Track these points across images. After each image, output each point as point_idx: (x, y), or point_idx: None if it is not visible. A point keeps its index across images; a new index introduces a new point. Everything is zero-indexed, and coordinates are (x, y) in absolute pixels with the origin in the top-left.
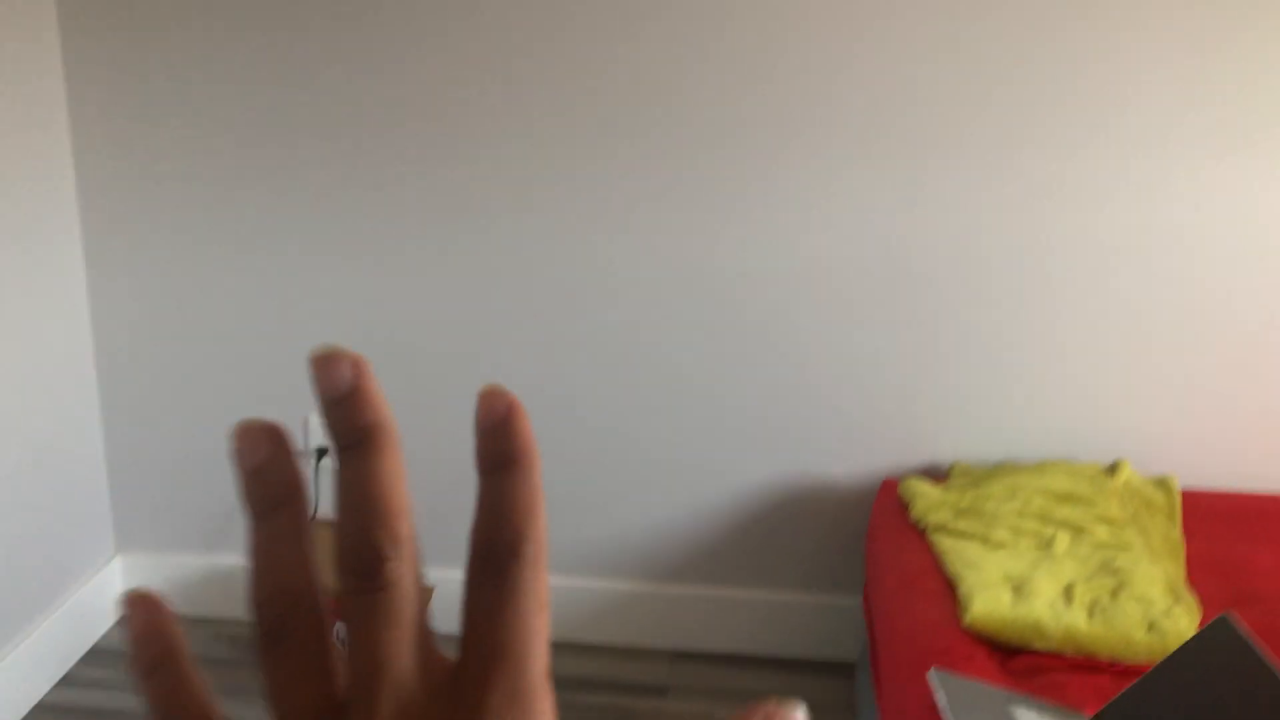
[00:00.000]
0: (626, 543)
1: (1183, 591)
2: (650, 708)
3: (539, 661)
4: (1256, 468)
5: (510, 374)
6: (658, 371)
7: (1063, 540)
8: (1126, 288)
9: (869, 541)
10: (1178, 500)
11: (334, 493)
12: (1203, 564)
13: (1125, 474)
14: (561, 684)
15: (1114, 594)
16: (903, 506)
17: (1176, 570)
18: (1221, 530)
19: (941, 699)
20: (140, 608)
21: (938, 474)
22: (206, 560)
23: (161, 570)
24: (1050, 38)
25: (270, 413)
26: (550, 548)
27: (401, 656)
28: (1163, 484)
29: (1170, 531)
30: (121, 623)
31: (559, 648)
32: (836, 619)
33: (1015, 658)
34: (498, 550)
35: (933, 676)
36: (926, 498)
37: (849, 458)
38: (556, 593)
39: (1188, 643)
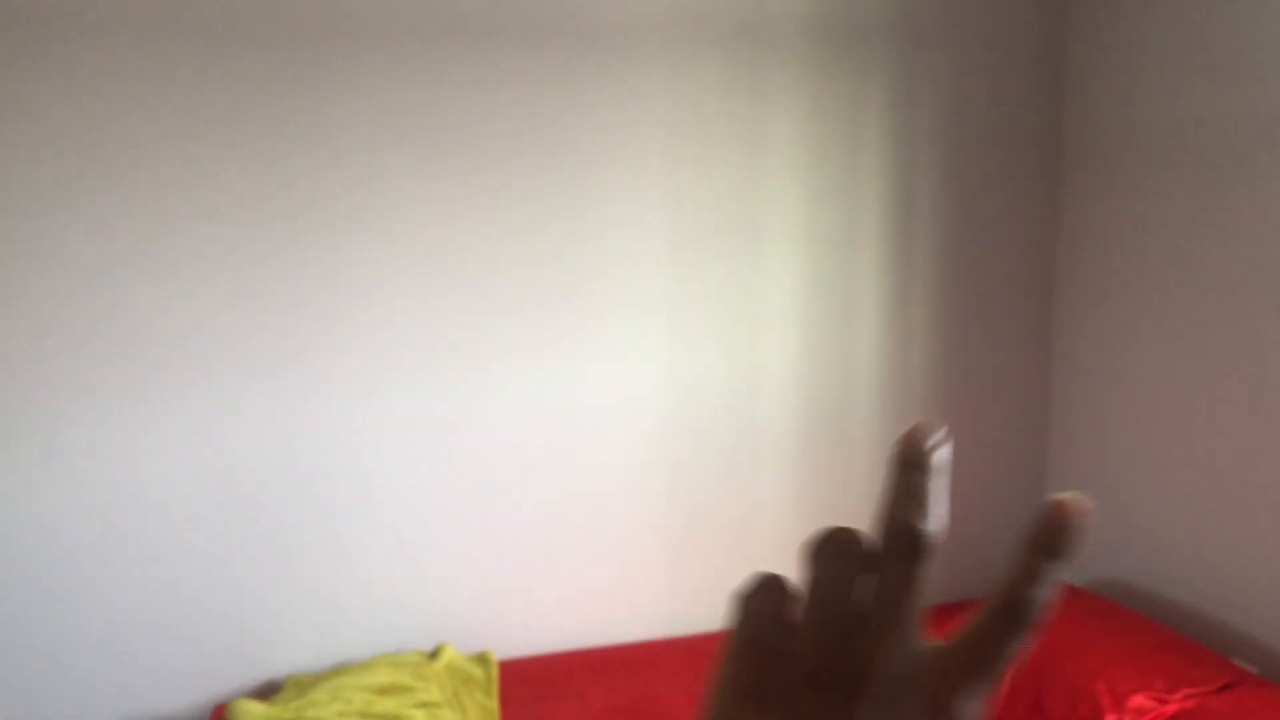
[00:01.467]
0: None
1: None
2: None
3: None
4: (564, 629)
5: None
6: None
7: None
8: (421, 487)
9: None
10: (495, 673)
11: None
12: None
13: (447, 656)
14: None
15: None
16: None
17: None
18: (536, 692)
19: None
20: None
21: (275, 690)
22: None
23: None
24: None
25: None
26: None
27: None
28: (482, 659)
29: (487, 703)
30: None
31: None
32: None
33: None
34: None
35: None
36: (250, 715)
37: (179, 690)
38: None
39: None
